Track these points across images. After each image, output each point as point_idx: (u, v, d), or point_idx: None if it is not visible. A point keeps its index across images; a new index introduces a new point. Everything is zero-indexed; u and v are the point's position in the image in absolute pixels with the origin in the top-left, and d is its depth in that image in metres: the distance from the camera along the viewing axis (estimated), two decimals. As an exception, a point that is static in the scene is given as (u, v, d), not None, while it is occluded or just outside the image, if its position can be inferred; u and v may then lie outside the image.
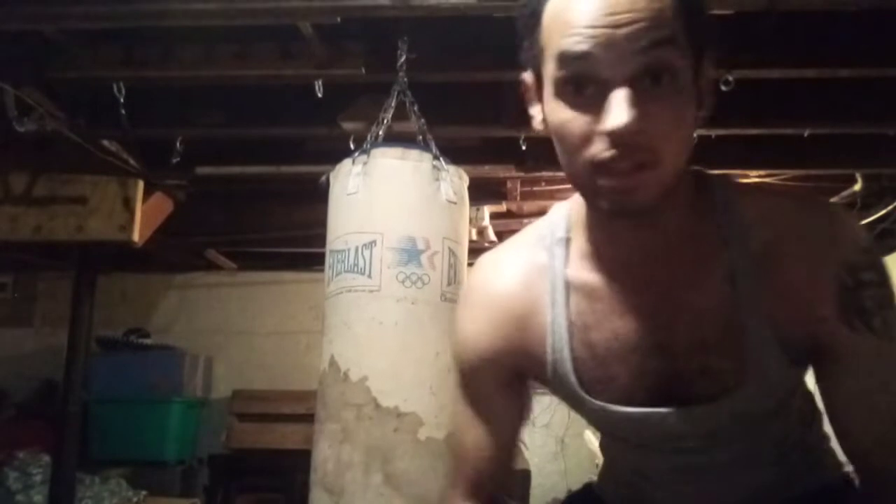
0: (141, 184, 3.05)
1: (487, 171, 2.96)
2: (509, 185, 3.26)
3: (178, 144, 2.78)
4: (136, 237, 3.03)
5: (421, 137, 2.18)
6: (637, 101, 0.70)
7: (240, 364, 4.59)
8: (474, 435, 0.96)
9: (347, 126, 2.54)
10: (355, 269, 1.92)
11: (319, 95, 2.28)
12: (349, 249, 1.95)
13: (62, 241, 3.11)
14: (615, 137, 0.71)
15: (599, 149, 0.72)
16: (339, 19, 1.98)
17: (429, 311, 1.92)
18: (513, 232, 0.99)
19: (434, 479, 1.86)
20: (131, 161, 2.93)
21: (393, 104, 2.20)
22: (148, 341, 4.47)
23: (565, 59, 0.72)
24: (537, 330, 0.89)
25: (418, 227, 1.95)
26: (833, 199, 3.03)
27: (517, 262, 0.92)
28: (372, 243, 1.93)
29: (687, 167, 0.80)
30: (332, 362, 1.94)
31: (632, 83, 0.70)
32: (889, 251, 3.19)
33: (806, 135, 2.60)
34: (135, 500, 3.69)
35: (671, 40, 0.71)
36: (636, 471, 0.98)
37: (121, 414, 4.13)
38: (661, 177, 0.73)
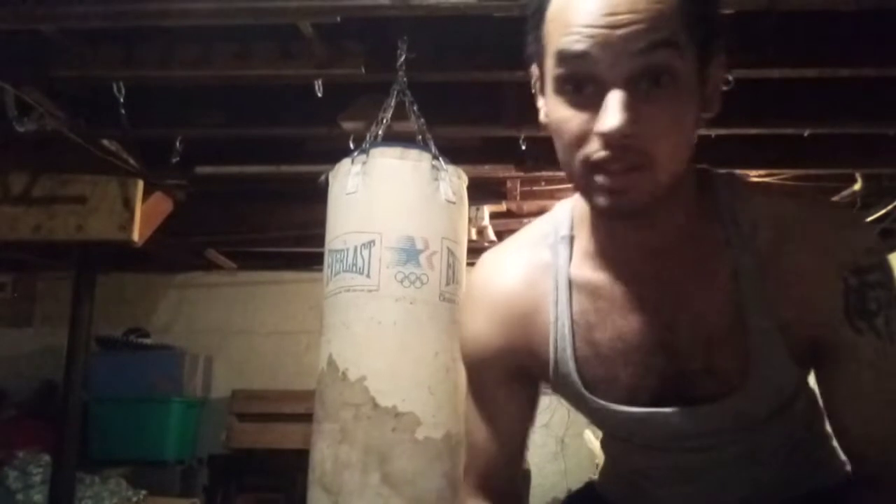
0: (141, 183, 3.05)
1: (487, 170, 2.96)
2: (509, 184, 3.26)
3: (177, 144, 2.78)
4: (135, 237, 3.03)
5: (420, 137, 2.18)
6: (632, 104, 0.70)
7: (240, 364, 4.59)
8: (482, 432, 0.97)
9: (347, 126, 2.54)
10: (354, 268, 1.92)
11: (319, 95, 2.29)
12: (348, 249, 1.95)
13: (62, 241, 3.11)
14: (607, 139, 0.71)
15: (594, 148, 0.73)
16: (338, 19, 1.98)
17: (427, 310, 1.92)
18: (512, 232, 0.99)
19: (431, 478, 1.87)
20: (131, 161, 2.93)
21: (392, 104, 2.20)
22: (148, 341, 4.47)
23: (564, 57, 0.73)
24: (540, 328, 0.89)
25: (417, 226, 1.95)
26: (833, 199, 3.03)
27: (520, 260, 0.92)
28: (371, 243, 1.93)
29: (691, 166, 0.80)
30: (331, 362, 1.94)
31: (629, 84, 0.70)
32: (889, 251, 3.19)
33: (806, 134, 2.60)
34: (134, 499, 3.69)
35: (671, 42, 0.71)
36: (638, 470, 0.98)
37: (121, 414, 4.13)
38: (654, 178, 0.73)
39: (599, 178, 0.74)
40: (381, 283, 1.90)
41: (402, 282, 1.91)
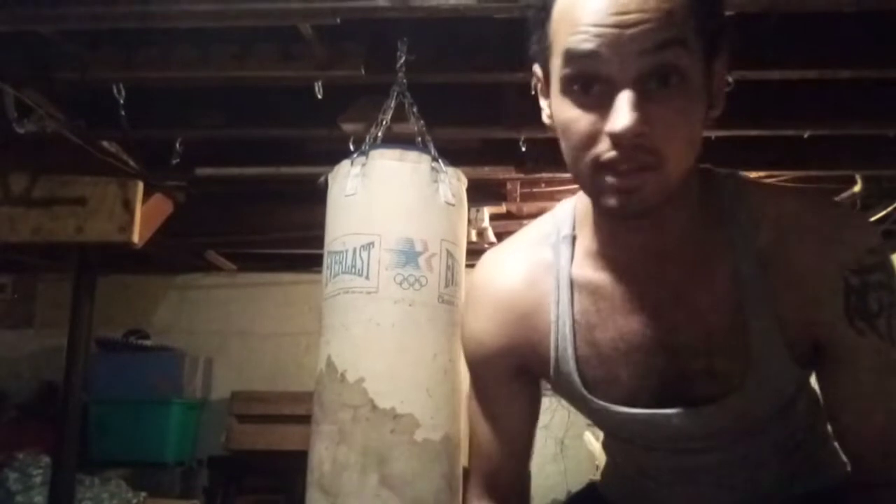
0: (141, 185, 3.05)
1: (487, 172, 2.95)
2: (509, 186, 3.26)
3: (177, 145, 2.78)
4: (135, 238, 3.03)
5: (420, 139, 2.18)
6: (642, 103, 0.70)
7: (239, 365, 4.59)
8: (486, 432, 0.97)
9: (347, 127, 2.53)
10: (353, 270, 1.92)
11: (319, 96, 2.28)
12: (347, 251, 1.95)
13: (62, 242, 3.10)
14: (617, 139, 0.71)
15: (603, 149, 0.72)
16: (338, 20, 1.97)
17: (426, 312, 1.92)
18: (512, 233, 0.99)
19: (430, 480, 1.86)
20: (131, 162, 2.92)
21: (392, 105, 2.20)
22: (148, 342, 4.47)
23: (571, 57, 0.72)
24: (541, 328, 0.89)
25: (416, 228, 1.95)
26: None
27: (522, 259, 0.92)
28: (370, 245, 1.92)
29: (695, 165, 0.80)
30: (329, 363, 1.94)
31: (637, 84, 0.70)
32: (889, 251, 3.18)
33: (806, 136, 2.60)
34: (134, 501, 3.69)
35: (680, 42, 0.70)
36: (639, 470, 0.98)
37: (120, 415, 4.13)
38: (663, 178, 0.73)
39: (608, 179, 0.73)
40: (380, 284, 1.90)
41: (401, 284, 1.91)
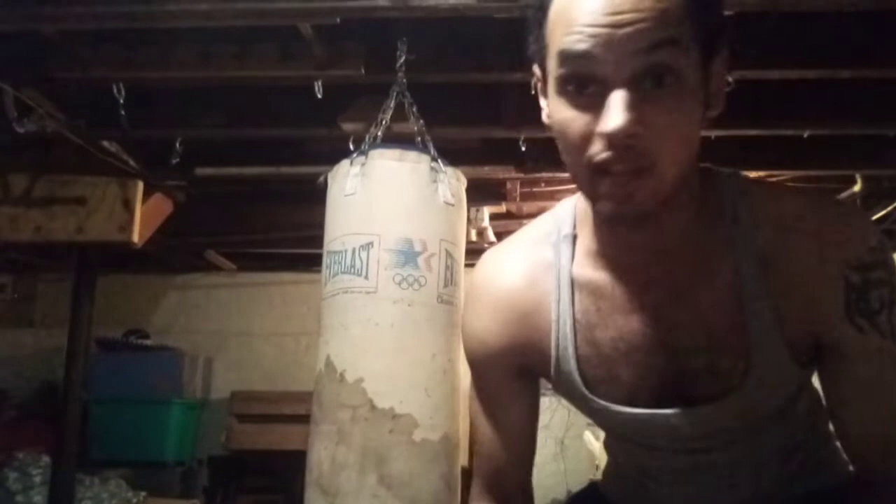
0: (140, 184, 3.05)
1: (487, 172, 2.95)
2: (509, 185, 3.26)
3: (177, 145, 2.78)
4: (135, 238, 3.03)
5: (420, 138, 2.18)
6: (635, 104, 0.69)
7: (239, 365, 4.59)
8: (488, 432, 0.97)
9: (347, 127, 2.53)
10: (352, 270, 1.92)
11: (319, 96, 2.28)
12: (346, 251, 1.95)
13: (62, 242, 3.10)
14: (611, 140, 0.70)
15: (597, 150, 0.72)
16: (338, 20, 1.97)
17: (425, 312, 1.92)
18: (512, 233, 0.99)
19: (428, 480, 1.86)
20: (131, 162, 2.93)
21: (392, 105, 2.20)
22: (147, 342, 4.47)
23: (566, 57, 0.72)
24: (542, 327, 0.89)
25: (416, 228, 1.95)
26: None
27: (522, 258, 0.92)
28: (369, 245, 1.93)
29: (695, 165, 0.80)
30: (329, 363, 1.94)
31: (632, 84, 0.70)
32: (890, 249, 3.19)
33: (806, 135, 2.60)
34: (134, 501, 3.69)
35: (674, 41, 0.70)
36: (640, 470, 0.98)
37: (120, 415, 4.12)
38: (658, 181, 0.73)
39: (604, 185, 0.73)
40: (380, 284, 1.90)
41: (400, 284, 1.91)
